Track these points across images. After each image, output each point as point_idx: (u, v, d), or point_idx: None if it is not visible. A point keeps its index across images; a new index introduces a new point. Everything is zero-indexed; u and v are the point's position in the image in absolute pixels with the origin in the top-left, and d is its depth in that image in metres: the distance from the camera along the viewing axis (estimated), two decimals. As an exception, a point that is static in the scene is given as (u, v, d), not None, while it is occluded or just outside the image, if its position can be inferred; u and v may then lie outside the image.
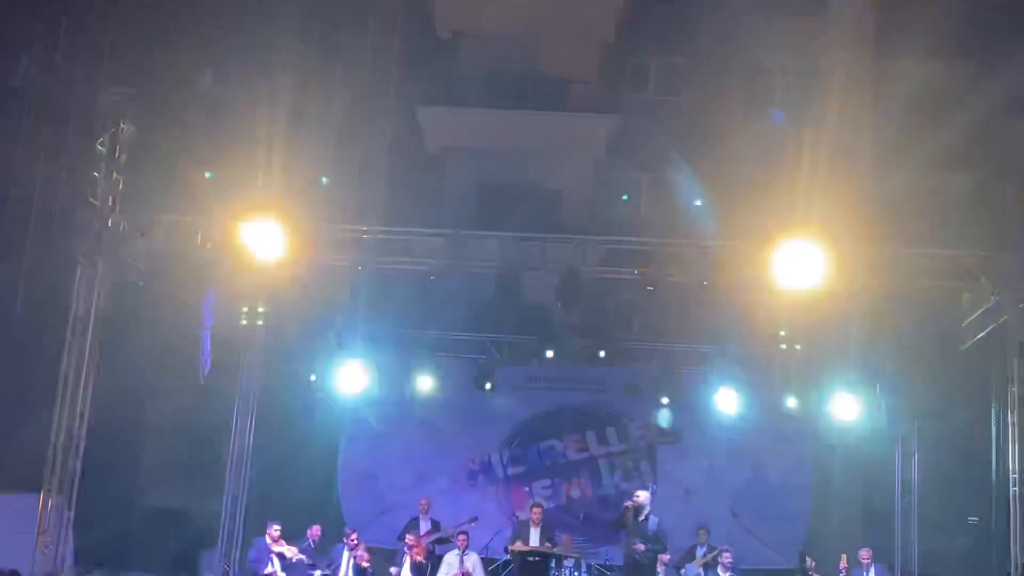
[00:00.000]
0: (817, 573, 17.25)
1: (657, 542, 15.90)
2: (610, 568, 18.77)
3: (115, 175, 16.00)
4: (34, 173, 18.67)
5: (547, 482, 21.28)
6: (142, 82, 17.21)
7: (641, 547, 15.71)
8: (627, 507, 15.99)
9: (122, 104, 15.77)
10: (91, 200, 15.89)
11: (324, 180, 18.28)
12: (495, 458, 21.42)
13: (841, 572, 17.25)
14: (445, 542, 17.90)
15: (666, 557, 17.56)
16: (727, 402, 19.97)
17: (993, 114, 21.24)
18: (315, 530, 17.67)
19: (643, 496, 16.15)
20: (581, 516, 20.53)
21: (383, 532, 19.43)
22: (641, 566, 15.80)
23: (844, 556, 17.34)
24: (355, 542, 17.36)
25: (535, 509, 17.45)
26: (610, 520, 18.58)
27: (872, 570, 17.33)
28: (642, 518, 15.90)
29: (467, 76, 23.95)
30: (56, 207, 17.74)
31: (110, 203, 15.96)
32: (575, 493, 21.19)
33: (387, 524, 19.70)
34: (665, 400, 20.31)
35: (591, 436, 21.40)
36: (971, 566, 22.31)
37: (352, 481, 21.25)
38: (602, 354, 19.94)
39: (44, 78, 18.90)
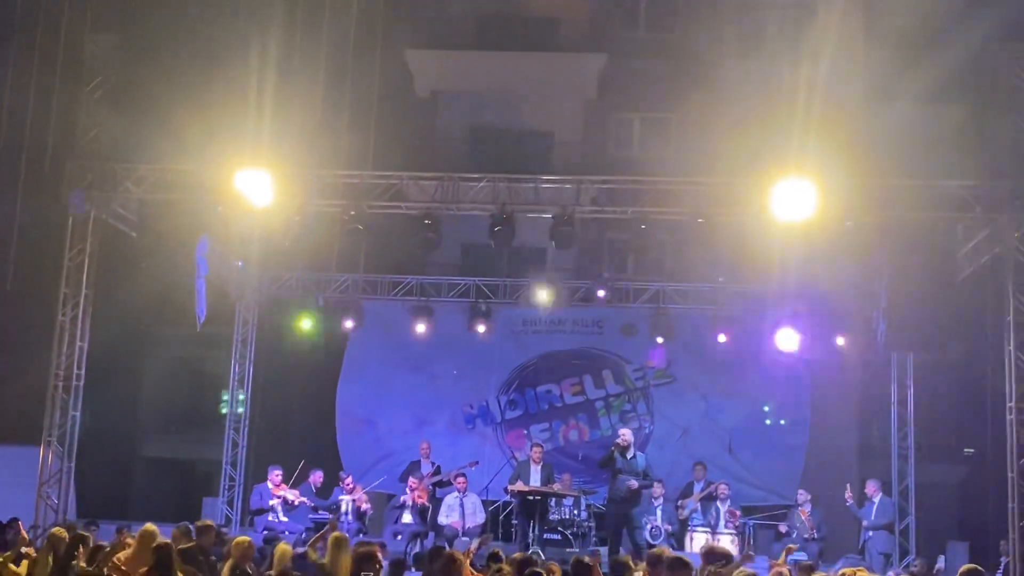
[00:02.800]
0: (809, 504, 17.40)
1: (646, 477, 16.55)
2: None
3: (106, 122, 15.89)
4: (24, 121, 18.56)
5: (544, 425, 21.30)
6: (129, 29, 17.08)
7: (635, 483, 16.22)
8: (616, 445, 16.46)
9: (111, 51, 15.62)
10: (81, 148, 15.80)
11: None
12: (492, 403, 21.43)
13: (848, 501, 17.40)
14: (445, 485, 18.01)
15: (659, 490, 17.77)
16: (722, 338, 19.97)
17: (984, 45, 21.15)
18: (317, 476, 17.77)
19: (628, 435, 16.68)
20: (579, 456, 20.65)
21: (383, 476, 19.49)
22: (626, 500, 16.34)
23: (848, 486, 17.51)
24: (351, 486, 17.46)
25: (536, 448, 17.53)
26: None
27: (878, 499, 17.48)
28: (630, 456, 16.42)
29: (455, 18, 23.74)
30: (47, 155, 17.64)
31: (101, 151, 15.85)
32: (573, 435, 21.23)
33: (387, 469, 19.76)
34: (660, 340, 20.28)
35: (587, 380, 21.39)
36: (967, 496, 22.56)
37: (350, 426, 21.27)
38: (601, 294, 19.89)
39: (31, 23, 18.69)
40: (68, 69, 18.07)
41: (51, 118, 18.60)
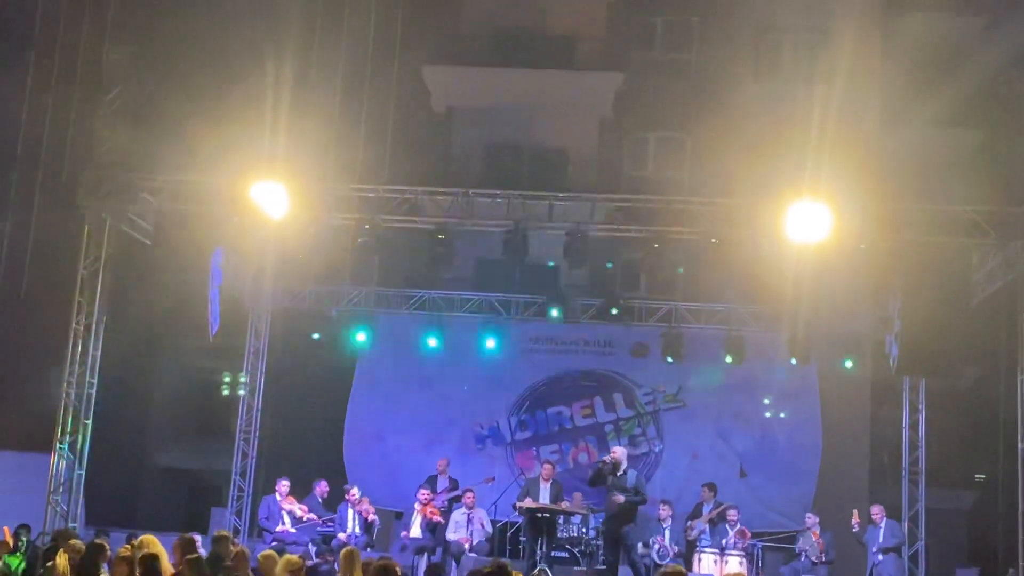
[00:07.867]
0: (818, 527, 17.35)
1: (636, 494, 15.95)
2: None
3: (123, 133, 16.01)
4: (42, 130, 18.70)
5: (554, 447, 21.20)
6: (148, 41, 17.21)
7: (620, 498, 15.75)
8: (604, 462, 16.16)
9: (129, 62, 15.75)
10: (99, 158, 15.92)
11: None
12: (503, 423, 21.35)
13: (854, 526, 17.30)
14: (457, 500, 17.97)
15: (666, 511, 17.72)
16: (730, 359, 19.91)
17: (1000, 69, 21.15)
18: (322, 486, 17.75)
19: (619, 452, 16.31)
20: (589, 475, 20.55)
21: (388, 494, 19.41)
22: (619, 516, 15.85)
23: (856, 511, 17.39)
24: (356, 497, 17.42)
25: (546, 465, 17.50)
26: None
27: (883, 525, 17.37)
28: (620, 473, 15.98)
29: (472, 35, 23.79)
30: (64, 164, 17.79)
31: (118, 161, 15.97)
32: (582, 458, 21.12)
33: (392, 486, 19.69)
34: (670, 361, 20.22)
35: (598, 403, 21.30)
36: (977, 522, 22.46)
37: (358, 441, 21.22)
38: (614, 311, 19.87)
39: (50, 33, 18.81)
40: (87, 80, 18.24)
41: (69, 128, 18.73)
